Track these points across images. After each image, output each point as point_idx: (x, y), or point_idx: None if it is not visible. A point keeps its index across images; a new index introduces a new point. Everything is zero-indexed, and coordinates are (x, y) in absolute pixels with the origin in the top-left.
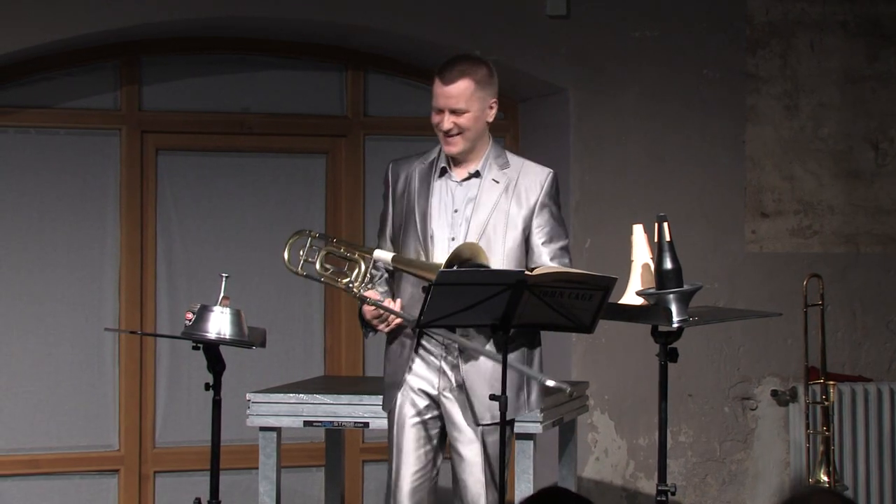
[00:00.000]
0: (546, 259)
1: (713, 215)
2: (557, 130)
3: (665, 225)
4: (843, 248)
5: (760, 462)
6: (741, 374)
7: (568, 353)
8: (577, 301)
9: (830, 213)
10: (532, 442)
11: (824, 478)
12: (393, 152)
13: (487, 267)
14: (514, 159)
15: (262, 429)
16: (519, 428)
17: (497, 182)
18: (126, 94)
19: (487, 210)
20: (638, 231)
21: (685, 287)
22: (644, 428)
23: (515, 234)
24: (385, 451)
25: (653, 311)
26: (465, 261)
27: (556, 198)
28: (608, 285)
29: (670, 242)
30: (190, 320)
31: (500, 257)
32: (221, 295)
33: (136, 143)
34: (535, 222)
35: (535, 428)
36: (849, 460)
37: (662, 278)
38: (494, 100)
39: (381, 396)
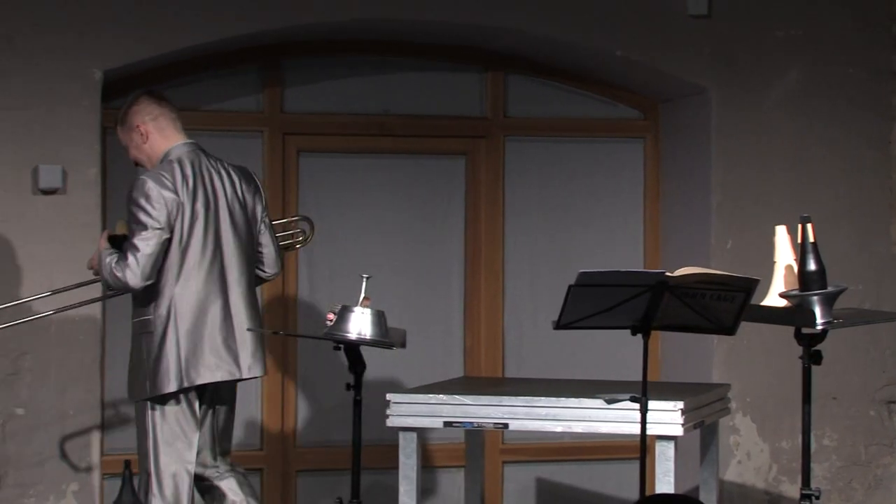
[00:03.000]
0: None
1: (858, 216)
2: (699, 130)
3: (809, 226)
4: None
5: None
6: (888, 376)
7: (710, 355)
8: (719, 302)
9: None
10: (673, 444)
11: None
12: (533, 153)
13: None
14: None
15: (402, 429)
16: (660, 430)
17: None
18: (268, 96)
19: None
20: (781, 232)
21: (829, 289)
22: (787, 431)
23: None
24: (524, 452)
25: (796, 312)
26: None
27: (133, 202)
28: (750, 287)
29: (814, 244)
30: (331, 321)
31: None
32: (362, 296)
33: (278, 144)
34: None
35: (677, 430)
36: None
37: (806, 280)
38: (138, 126)
39: (521, 398)
